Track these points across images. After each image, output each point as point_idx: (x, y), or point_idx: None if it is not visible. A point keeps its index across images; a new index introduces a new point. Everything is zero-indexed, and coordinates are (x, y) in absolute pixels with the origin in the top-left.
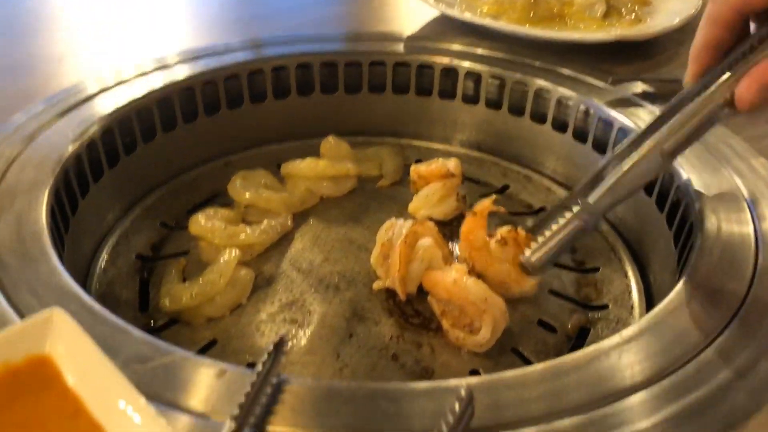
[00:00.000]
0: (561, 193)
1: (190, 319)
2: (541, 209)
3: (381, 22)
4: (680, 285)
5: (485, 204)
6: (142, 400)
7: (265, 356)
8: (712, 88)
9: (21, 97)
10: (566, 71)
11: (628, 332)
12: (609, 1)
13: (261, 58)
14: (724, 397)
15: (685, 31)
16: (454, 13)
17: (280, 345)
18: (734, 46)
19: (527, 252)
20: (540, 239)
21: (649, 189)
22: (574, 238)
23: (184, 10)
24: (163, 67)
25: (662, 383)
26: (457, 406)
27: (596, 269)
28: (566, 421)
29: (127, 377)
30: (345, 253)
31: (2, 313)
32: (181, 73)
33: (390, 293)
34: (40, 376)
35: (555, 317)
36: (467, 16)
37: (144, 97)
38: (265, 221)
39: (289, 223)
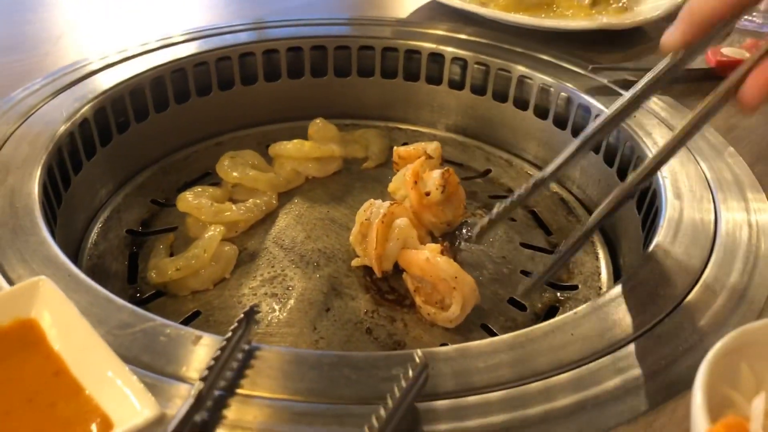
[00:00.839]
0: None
1: (175, 291)
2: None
3: (374, 7)
4: (637, 266)
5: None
6: (120, 363)
7: (236, 324)
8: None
9: (20, 75)
10: (549, 58)
11: (582, 310)
12: None
13: (252, 41)
14: (658, 374)
15: (669, 20)
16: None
17: (250, 314)
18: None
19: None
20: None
21: (622, 175)
22: None
23: None
24: (164, 47)
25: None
26: (410, 372)
27: None
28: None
29: (108, 342)
30: (326, 232)
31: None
32: (173, 54)
33: (367, 270)
34: (25, 339)
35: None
36: (457, 2)
37: (136, 76)
38: (251, 200)
39: (274, 201)
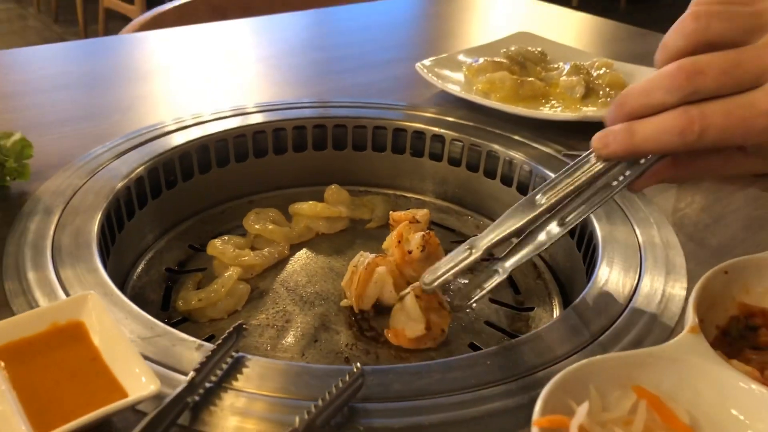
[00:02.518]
0: None
1: (197, 318)
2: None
3: (395, 94)
4: (564, 313)
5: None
6: (138, 356)
7: (226, 335)
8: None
9: (93, 138)
10: (534, 144)
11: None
12: (588, 84)
13: (284, 119)
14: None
15: None
16: (451, 89)
17: (239, 328)
18: None
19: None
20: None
21: (578, 241)
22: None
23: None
24: (208, 121)
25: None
26: (347, 378)
27: (531, 308)
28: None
29: (133, 343)
30: (324, 278)
31: (56, 292)
32: (218, 127)
33: (353, 311)
34: (74, 334)
35: (485, 342)
36: (462, 93)
37: (185, 144)
38: (267, 248)
39: (286, 251)
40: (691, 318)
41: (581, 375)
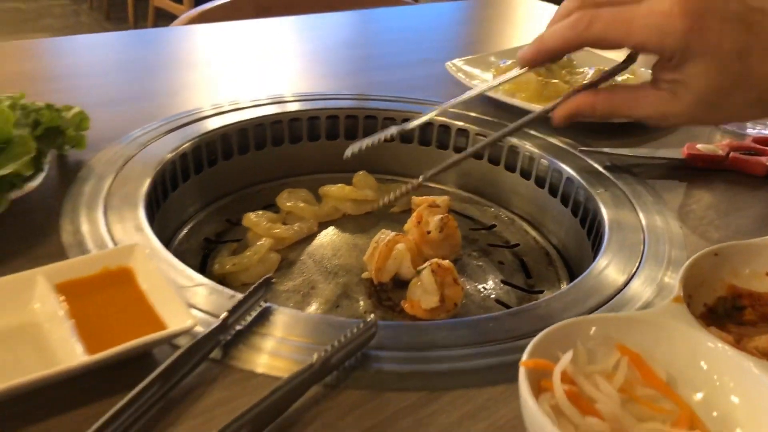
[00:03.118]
0: (533, 234)
1: (230, 282)
2: (516, 245)
3: (428, 90)
4: (564, 289)
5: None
6: (177, 297)
7: (256, 286)
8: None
9: (143, 118)
10: (552, 140)
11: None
12: None
13: (319, 108)
14: None
15: None
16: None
17: (267, 280)
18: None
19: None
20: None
21: (589, 235)
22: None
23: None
24: (252, 107)
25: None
26: (362, 326)
27: (541, 291)
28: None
29: (173, 287)
30: (349, 253)
31: (107, 245)
32: (257, 113)
33: (372, 283)
34: (123, 277)
35: None
36: (491, 93)
37: (226, 126)
38: (297, 224)
39: (315, 228)
40: (676, 290)
41: (569, 331)
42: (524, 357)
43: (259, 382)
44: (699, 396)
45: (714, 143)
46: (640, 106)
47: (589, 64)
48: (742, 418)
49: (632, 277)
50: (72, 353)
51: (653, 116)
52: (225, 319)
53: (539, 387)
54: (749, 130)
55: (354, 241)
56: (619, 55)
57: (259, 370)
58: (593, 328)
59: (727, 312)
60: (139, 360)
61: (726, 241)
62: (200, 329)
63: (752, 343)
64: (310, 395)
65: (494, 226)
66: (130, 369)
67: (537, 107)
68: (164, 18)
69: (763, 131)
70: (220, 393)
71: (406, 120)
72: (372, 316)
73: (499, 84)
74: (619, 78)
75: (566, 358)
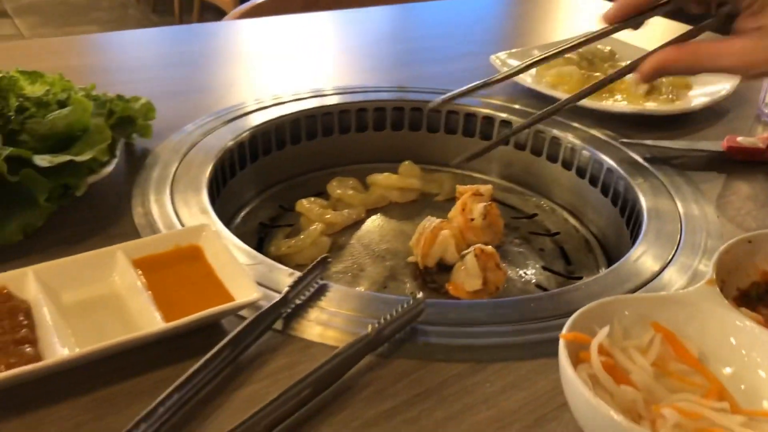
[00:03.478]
0: (574, 222)
1: (285, 263)
2: (556, 233)
3: (472, 83)
4: (602, 274)
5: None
6: (245, 271)
7: (313, 265)
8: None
9: (202, 109)
10: (594, 132)
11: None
12: (653, 82)
13: (367, 100)
14: None
15: (701, 112)
16: (521, 80)
17: (324, 261)
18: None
19: None
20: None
21: (628, 224)
22: None
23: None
24: (307, 98)
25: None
26: (411, 302)
27: (580, 278)
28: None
29: (241, 266)
30: (396, 238)
31: (175, 225)
32: (309, 105)
33: (418, 267)
34: (194, 254)
35: None
36: (531, 84)
37: (281, 117)
38: (346, 210)
39: (363, 214)
40: (710, 273)
41: (607, 308)
42: (564, 330)
43: (317, 351)
44: (728, 371)
45: (755, 136)
46: (724, 57)
47: (632, 58)
48: (762, 387)
49: (668, 264)
50: (151, 321)
51: (738, 66)
52: (286, 294)
53: (577, 358)
54: None
55: (400, 227)
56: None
57: (317, 339)
58: (629, 307)
59: (759, 296)
60: (209, 329)
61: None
62: (263, 303)
63: None
64: (364, 363)
65: (536, 215)
66: (200, 337)
67: (584, 101)
68: (210, 11)
69: None
70: (283, 359)
71: (451, 112)
72: (420, 294)
73: (525, 66)
74: None
75: (603, 333)
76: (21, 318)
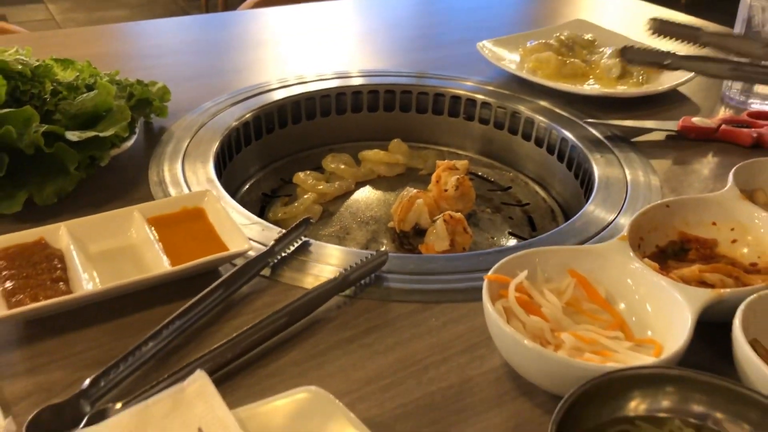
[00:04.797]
0: (543, 194)
1: (282, 227)
2: (526, 204)
3: (464, 68)
4: (547, 234)
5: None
6: (239, 229)
7: (296, 224)
8: None
9: (214, 92)
10: (564, 113)
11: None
12: (625, 67)
13: (363, 84)
14: None
15: (670, 96)
16: (503, 66)
17: (306, 220)
18: None
19: None
20: None
21: (582, 182)
22: None
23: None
24: (303, 83)
25: None
26: (376, 254)
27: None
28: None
29: (235, 222)
30: (380, 207)
31: (184, 191)
32: (312, 87)
33: (396, 231)
34: (197, 215)
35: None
36: (512, 69)
37: (283, 99)
38: (337, 182)
39: (353, 186)
40: (624, 231)
41: (532, 257)
42: (489, 273)
43: (297, 293)
44: (623, 305)
45: (712, 117)
46: None
47: (608, 45)
48: (653, 322)
49: (610, 223)
50: (160, 265)
51: None
52: (272, 246)
53: (499, 295)
54: (753, 106)
55: (385, 197)
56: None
57: (297, 284)
58: (551, 257)
59: (675, 252)
60: (208, 275)
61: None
62: (253, 254)
63: (677, 272)
64: (333, 302)
65: (510, 187)
66: (201, 281)
67: (553, 84)
68: None
69: (763, 106)
70: (268, 298)
71: (438, 95)
72: (384, 247)
73: None
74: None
75: (522, 275)
76: (56, 262)
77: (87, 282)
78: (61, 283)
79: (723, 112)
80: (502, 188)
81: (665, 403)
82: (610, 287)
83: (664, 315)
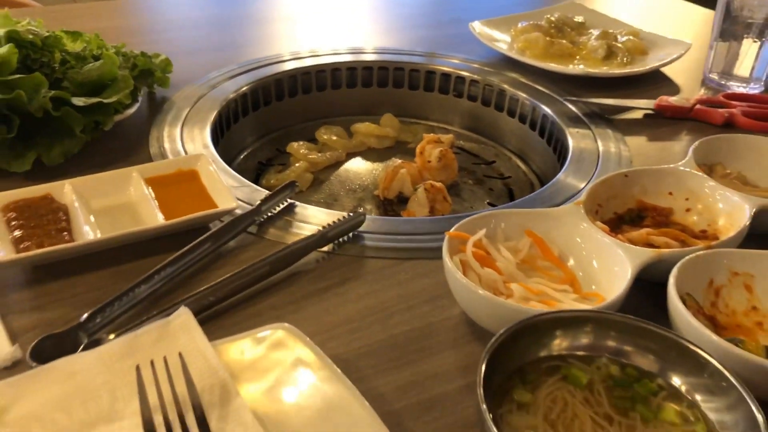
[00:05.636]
0: (524, 168)
1: None
2: (508, 177)
3: (460, 47)
4: (519, 200)
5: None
6: (228, 189)
7: (282, 186)
8: None
9: (216, 65)
10: (546, 91)
11: None
12: (611, 48)
13: (358, 60)
14: None
15: (654, 77)
16: (494, 46)
17: (292, 184)
18: None
19: None
20: None
21: (559, 156)
22: None
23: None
24: (305, 57)
25: None
26: (352, 215)
27: None
28: None
29: (225, 183)
30: (368, 176)
31: (181, 154)
32: (309, 63)
33: (380, 198)
34: (191, 176)
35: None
36: (502, 50)
37: (280, 73)
38: (328, 153)
39: (343, 156)
40: (581, 197)
41: (492, 218)
42: (451, 230)
43: (280, 248)
44: (572, 262)
45: (692, 97)
46: None
47: (597, 26)
48: (598, 277)
49: (580, 191)
50: (155, 220)
51: None
52: (258, 206)
53: (459, 250)
54: (733, 89)
55: (373, 167)
56: (625, 16)
57: (282, 241)
58: (511, 218)
59: (631, 219)
60: (200, 230)
61: None
62: (241, 212)
63: (627, 235)
64: (312, 257)
65: (494, 162)
66: (193, 236)
67: (539, 63)
68: None
69: (740, 88)
70: (253, 253)
71: (430, 72)
72: (362, 209)
73: None
74: (621, 38)
75: (480, 233)
76: (60, 215)
77: (88, 233)
78: (65, 233)
79: (705, 93)
80: (486, 162)
81: (584, 341)
82: (563, 247)
83: (608, 271)
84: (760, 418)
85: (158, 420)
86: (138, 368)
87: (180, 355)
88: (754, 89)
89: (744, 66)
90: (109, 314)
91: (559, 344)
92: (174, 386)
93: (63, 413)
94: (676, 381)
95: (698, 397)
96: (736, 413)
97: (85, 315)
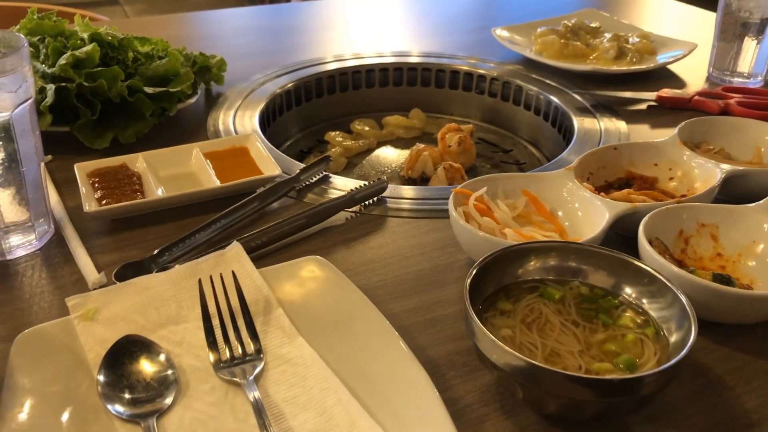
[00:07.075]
0: (538, 155)
1: None
2: (523, 163)
3: (484, 50)
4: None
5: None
6: (273, 162)
7: (318, 159)
8: None
9: (264, 66)
10: (558, 86)
11: None
12: (621, 48)
13: (391, 62)
14: None
15: (661, 73)
16: (514, 48)
17: (326, 158)
18: None
19: None
20: None
21: (565, 136)
22: None
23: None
24: (349, 59)
25: None
26: (376, 181)
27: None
28: None
29: (271, 156)
30: (396, 161)
31: (233, 135)
32: (347, 64)
33: (405, 179)
34: (242, 151)
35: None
36: (521, 51)
37: (321, 73)
38: (361, 141)
39: (374, 145)
40: (573, 164)
41: (494, 180)
42: (457, 187)
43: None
44: (560, 213)
45: (694, 90)
46: None
47: (611, 31)
48: (582, 226)
49: None
50: (213, 183)
51: None
52: (298, 174)
53: (462, 204)
54: (736, 84)
55: (401, 154)
56: (639, 22)
57: (316, 202)
58: (510, 180)
59: (620, 186)
60: (249, 194)
61: None
62: (283, 179)
63: (611, 195)
64: (342, 215)
65: (511, 150)
66: (243, 198)
67: (554, 62)
68: None
69: (742, 84)
70: (294, 213)
71: (454, 72)
72: (384, 177)
73: None
74: (631, 40)
75: (482, 190)
76: (135, 179)
77: (157, 193)
78: (138, 193)
79: (709, 86)
80: (504, 150)
81: (551, 263)
82: (554, 203)
83: (590, 221)
84: (688, 309)
85: (215, 323)
86: (200, 281)
87: (233, 273)
88: (753, 84)
89: (744, 62)
90: (175, 253)
91: (535, 265)
92: (228, 298)
93: (140, 315)
94: (628, 290)
95: (644, 301)
96: (672, 309)
97: (156, 250)
